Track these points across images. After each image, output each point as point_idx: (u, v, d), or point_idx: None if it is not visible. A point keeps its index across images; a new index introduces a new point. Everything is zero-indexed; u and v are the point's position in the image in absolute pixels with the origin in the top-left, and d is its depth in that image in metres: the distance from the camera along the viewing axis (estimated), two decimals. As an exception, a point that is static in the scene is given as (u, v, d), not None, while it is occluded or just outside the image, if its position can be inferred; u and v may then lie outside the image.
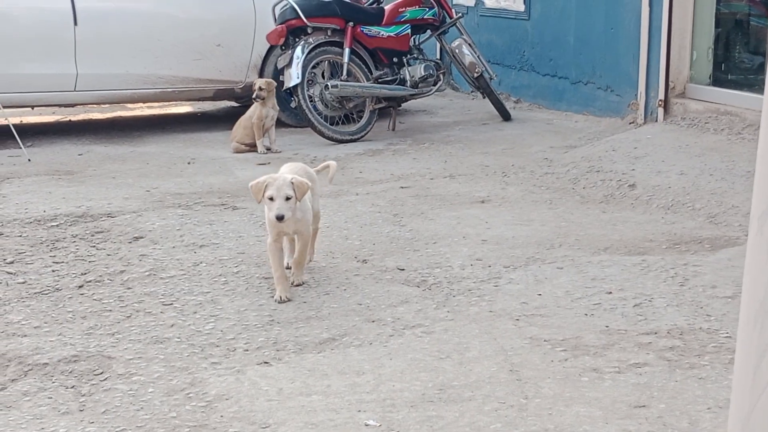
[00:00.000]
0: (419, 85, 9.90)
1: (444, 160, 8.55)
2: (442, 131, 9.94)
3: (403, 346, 4.24)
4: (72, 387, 3.82)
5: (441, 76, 10.06)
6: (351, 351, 4.19)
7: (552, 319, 4.56)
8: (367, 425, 3.44)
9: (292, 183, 4.59)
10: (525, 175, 7.85)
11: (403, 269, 5.36)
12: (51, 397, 3.71)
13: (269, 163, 8.54)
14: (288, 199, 4.57)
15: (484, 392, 3.72)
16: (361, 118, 9.71)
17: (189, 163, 8.59)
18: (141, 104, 11.48)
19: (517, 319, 4.55)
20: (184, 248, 5.81)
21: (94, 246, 5.88)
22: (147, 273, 5.32)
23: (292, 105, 9.36)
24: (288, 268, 5.09)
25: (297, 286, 4.91)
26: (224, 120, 10.75)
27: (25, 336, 4.37)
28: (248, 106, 9.38)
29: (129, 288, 5.07)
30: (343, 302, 4.80)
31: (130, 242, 5.95)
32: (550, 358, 4.06)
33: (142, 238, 6.04)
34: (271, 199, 4.59)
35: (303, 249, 4.93)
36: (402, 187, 7.49)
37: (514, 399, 3.65)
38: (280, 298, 4.72)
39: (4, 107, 9.17)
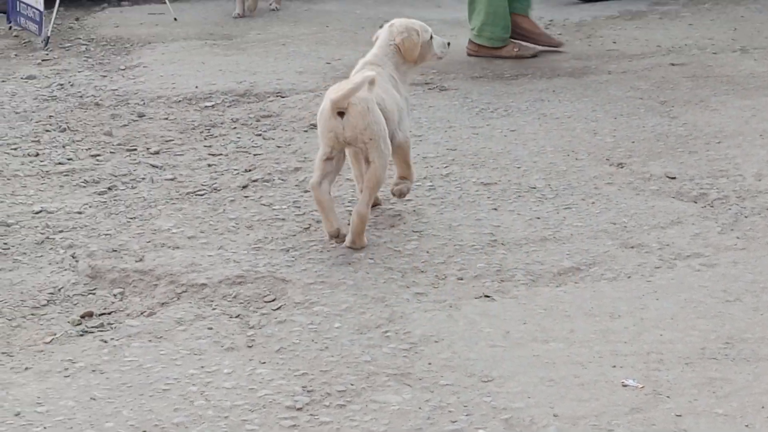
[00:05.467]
0: None
1: (732, 27, 8.27)
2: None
3: (675, 282, 4.19)
4: (237, 316, 4.00)
5: None
6: (602, 286, 4.18)
7: None
8: (624, 386, 3.44)
9: None
10: None
11: (674, 177, 5.27)
12: (211, 328, 3.90)
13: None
14: None
15: (790, 350, 3.65)
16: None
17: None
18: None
19: (838, 252, 4.42)
20: (376, 140, 5.90)
21: (260, 134, 6.06)
22: (329, 172, 5.44)
23: None
24: None
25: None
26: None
27: (177, 248, 4.59)
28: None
29: (306, 191, 5.21)
30: (591, 220, 4.78)
31: (305, 130, 6.10)
32: None
33: (321, 125, 6.17)
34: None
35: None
36: (673, 64, 7.31)
37: (833, 361, 3.57)
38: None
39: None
